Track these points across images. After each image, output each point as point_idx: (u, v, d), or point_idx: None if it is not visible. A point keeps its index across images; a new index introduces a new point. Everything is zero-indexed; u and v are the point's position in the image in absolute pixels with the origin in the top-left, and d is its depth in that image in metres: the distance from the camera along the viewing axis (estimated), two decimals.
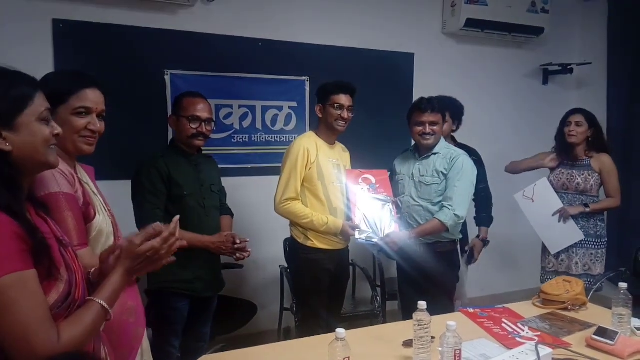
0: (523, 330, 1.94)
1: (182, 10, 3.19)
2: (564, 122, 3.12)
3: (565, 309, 2.14)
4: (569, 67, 4.32)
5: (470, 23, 3.87)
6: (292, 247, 2.72)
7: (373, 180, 2.68)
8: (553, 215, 3.07)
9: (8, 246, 0.95)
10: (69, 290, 1.05)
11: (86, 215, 1.41)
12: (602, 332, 1.80)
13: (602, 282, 3.07)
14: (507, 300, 2.36)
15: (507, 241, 4.28)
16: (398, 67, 3.89)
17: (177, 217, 1.20)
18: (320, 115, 2.62)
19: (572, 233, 3.05)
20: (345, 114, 2.56)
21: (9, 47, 2.68)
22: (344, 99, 2.56)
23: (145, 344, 1.49)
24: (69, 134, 1.40)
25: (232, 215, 2.64)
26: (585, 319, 2.05)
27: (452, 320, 1.55)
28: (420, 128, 2.64)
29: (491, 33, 4.05)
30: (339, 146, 2.75)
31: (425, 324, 1.62)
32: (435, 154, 2.69)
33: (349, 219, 2.60)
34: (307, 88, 3.57)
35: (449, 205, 2.58)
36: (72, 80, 1.47)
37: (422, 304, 1.66)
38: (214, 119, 2.49)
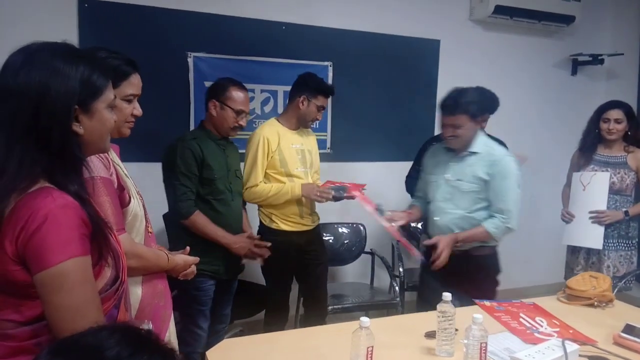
0: (542, 326, 1.90)
1: None
2: (600, 116, 2.96)
3: (591, 305, 2.09)
4: (599, 57, 4.19)
5: (499, 10, 3.77)
6: (260, 231, 2.68)
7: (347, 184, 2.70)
8: (590, 212, 2.92)
9: (75, 231, 0.96)
10: (116, 274, 1.07)
11: (121, 200, 1.39)
12: (630, 329, 1.75)
13: (631, 281, 2.97)
14: (526, 295, 2.32)
15: (528, 235, 4.20)
16: (423, 54, 3.81)
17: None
18: (301, 107, 2.58)
19: (595, 238, 2.92)
20: (320, 116, 2.62)
21: (34, 25, 2.69)
22: (326, 102, 2.62)
23: (172, 326, 1.51)
24: (118, 120, 1.37)
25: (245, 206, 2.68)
26: (611, 316, 2.00)
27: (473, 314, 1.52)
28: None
29: (520, 20, 3.94)
30: (303, 129, 2.70)
31: (449, 316, 1.60)
32: (474, 153, 2.33)
33: None
34: (330, 74, 3.53)
35: (503, 217, 2.30)
36: (126, 65, 1.46)
37: (447, 295, 1.63)
38: None
